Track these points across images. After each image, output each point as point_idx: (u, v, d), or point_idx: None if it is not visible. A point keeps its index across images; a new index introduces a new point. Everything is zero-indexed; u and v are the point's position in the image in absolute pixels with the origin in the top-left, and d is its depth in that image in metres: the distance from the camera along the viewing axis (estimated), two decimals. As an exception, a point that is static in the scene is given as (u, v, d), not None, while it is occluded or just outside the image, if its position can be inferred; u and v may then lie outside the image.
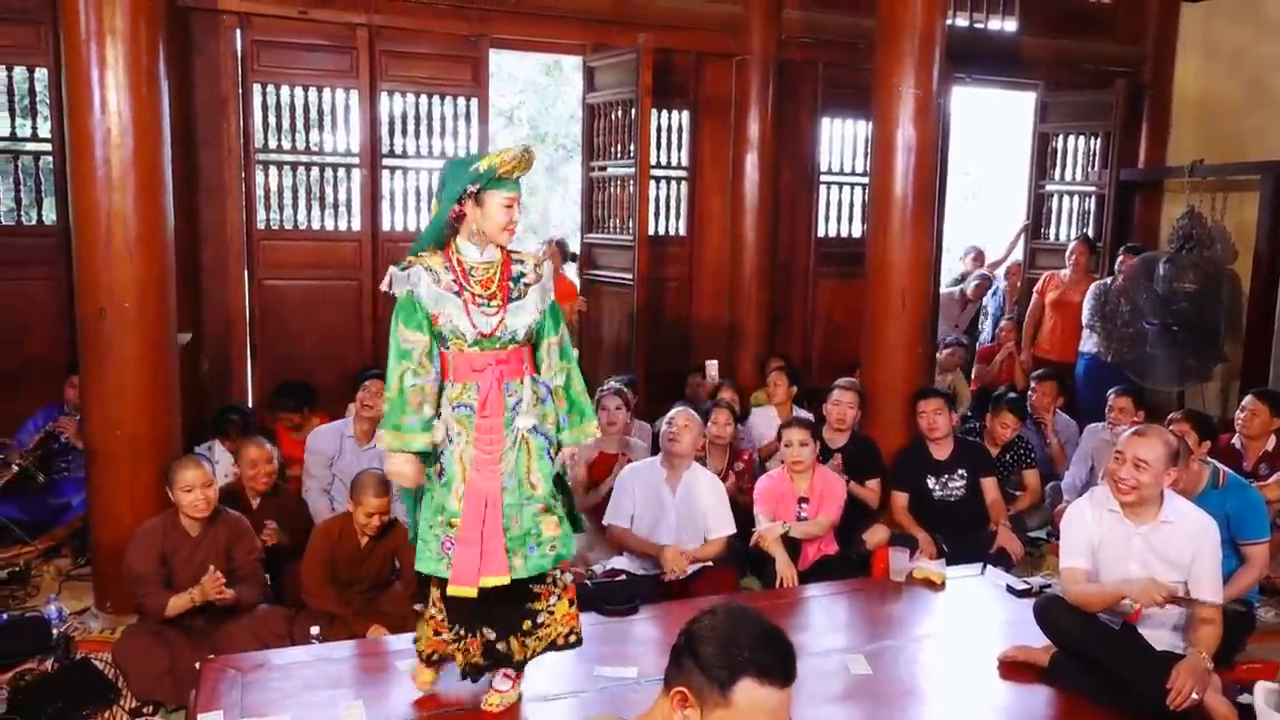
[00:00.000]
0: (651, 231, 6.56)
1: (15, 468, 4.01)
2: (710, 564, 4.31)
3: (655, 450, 4.89)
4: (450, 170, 2.80)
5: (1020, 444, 5.42)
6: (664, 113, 6.74)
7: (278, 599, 4.05)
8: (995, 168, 14.72)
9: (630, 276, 6.32)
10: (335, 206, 6.08)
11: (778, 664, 1.64)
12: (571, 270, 7.36)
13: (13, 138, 5.46)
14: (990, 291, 8.70)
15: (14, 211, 5.50)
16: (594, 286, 6.91)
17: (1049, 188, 7.90)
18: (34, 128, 5.45)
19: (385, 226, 6.14)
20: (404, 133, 6.13)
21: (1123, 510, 3.21)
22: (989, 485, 4.93)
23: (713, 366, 6.49)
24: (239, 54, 5.70)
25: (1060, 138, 7.83)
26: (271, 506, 4.31)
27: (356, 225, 6.10)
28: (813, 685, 3.26)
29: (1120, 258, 6.90)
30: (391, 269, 2.77)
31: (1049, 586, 4.06)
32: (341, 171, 6.06)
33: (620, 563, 4.32)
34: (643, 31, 6.08)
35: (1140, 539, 3.19)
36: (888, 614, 3.91)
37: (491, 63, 6.33)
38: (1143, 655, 3.11)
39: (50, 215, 5.51)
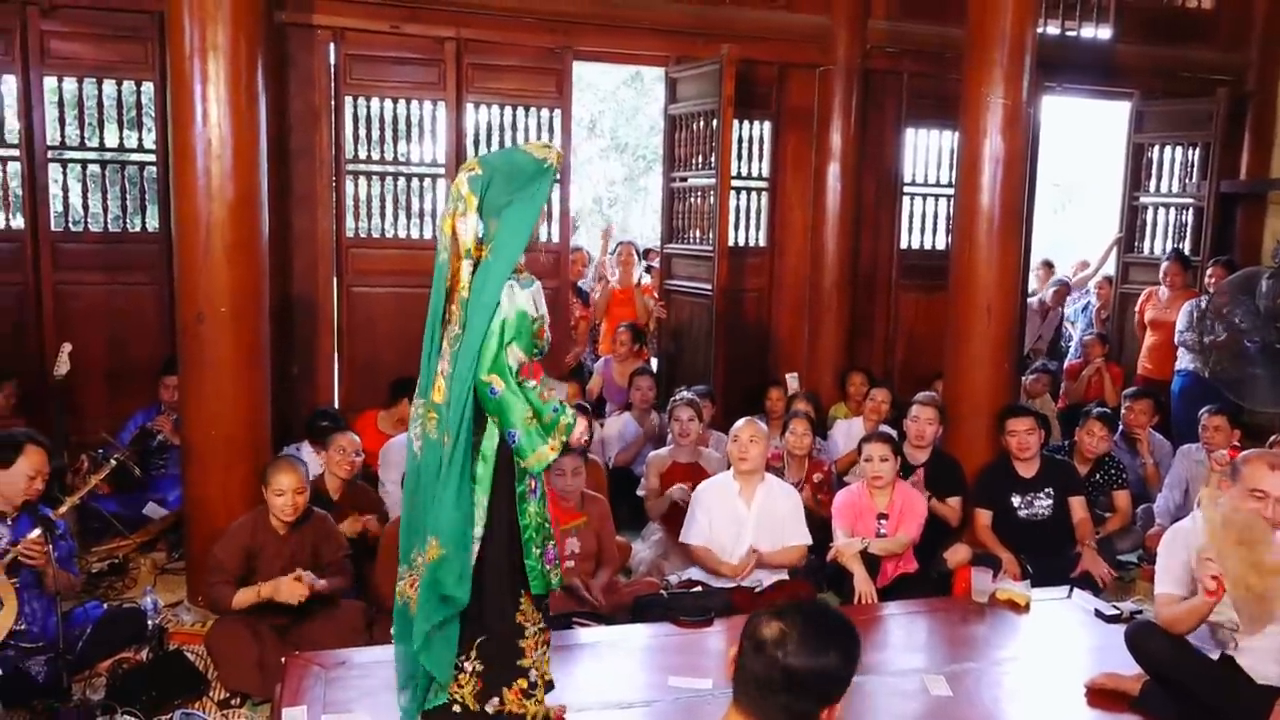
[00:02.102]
0: (731, 242, 6.56)
1: (114, 462, 4.17)
2: (786, 577, 4.27)
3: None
4: (527, 169, 2.66)
5: (1111, 463, 5.24)
6: (746, 123, 6.73)
7: (358, 598, 4.14)
8: (1087, 178, 14.33)
9: (710, 287, 6.32)
10: (421, 216, 6.22)
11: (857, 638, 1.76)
12: (641, 272, 7.43)
13: (120, 149, 5.71)
14: (1080, 307, 8.48)
15: (120, 219, 5.76)
16: (673, 296, 6.92)
17: (1143, 200, 7.65)
18: (140, 139, 5.70)
19: (469, 236, 6.23)
20: (489, 143, 6.24)
21: (1229, 537, 3.08)
22: (1076, 505, 4.78)
23: (793, 379, 6.44)
24: (332, 67, 5.88)
25: (1156, 148, 7.58)
26: (350, 498, 4.42)
27: (441, 234, 6.21)
28: (891, 705, 3.21)
29: (1210, 271, 6.65)
30: (525, 290, 2.60)
31: (1140, 612, 3.93)
32: (428, 181, 6.20)
33: (695, 573, 4.31)
34: (726, 43, 6.09)
35: (1244, 567, 3.05)
36: (969, 635, 3.82)
37: (574, 73, 6.41)
38: (1242, 687, 2.98)
39: (153, 223, 5.76)
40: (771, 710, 1.65)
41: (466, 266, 2.59)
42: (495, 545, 2.66)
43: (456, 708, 2.71)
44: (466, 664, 2.71)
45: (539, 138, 6.31)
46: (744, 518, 4.30)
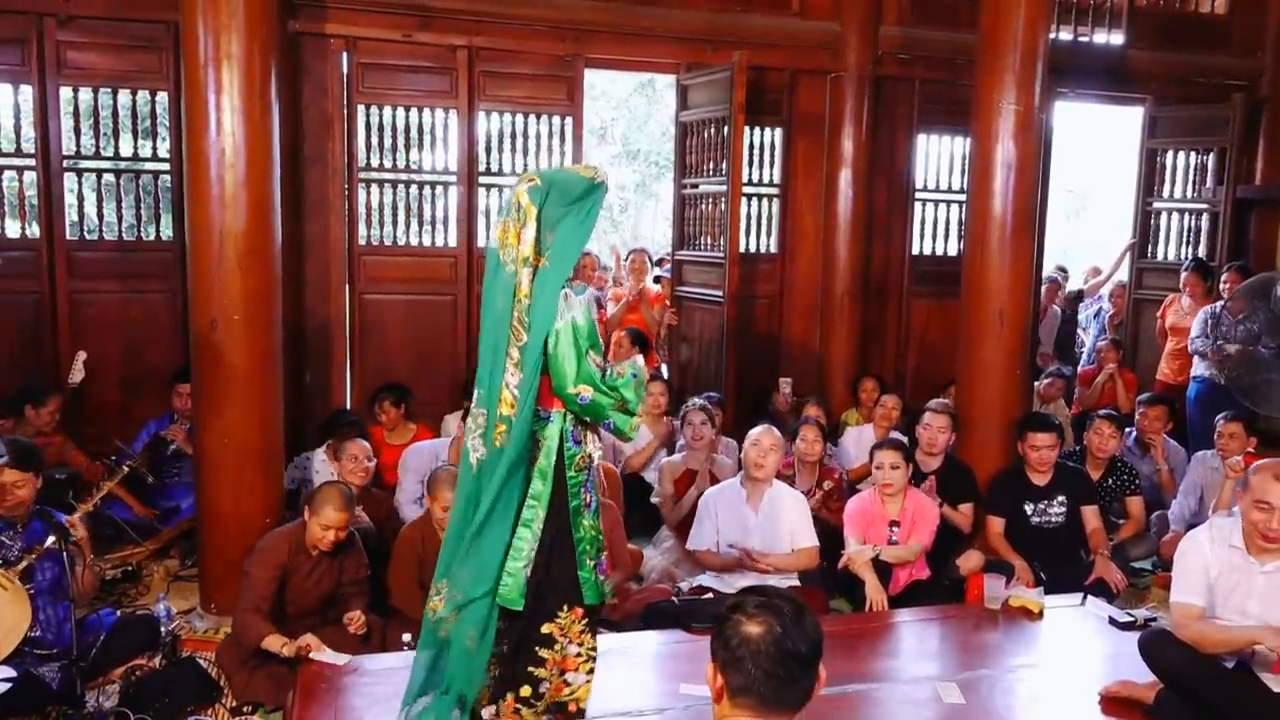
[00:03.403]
0: (743, 249, 6.56)
1: (126, 469, 4.19)
2: (797, 582, 4.26)
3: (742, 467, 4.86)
4: (580, 185, 2.69)
5: (1124, 469, 5.22)
6: (757, 130, 6.73)
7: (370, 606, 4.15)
8: (1099, 184, 14.28)
9: (721, 294, 6.31)
10: (432, 223, 6.24)
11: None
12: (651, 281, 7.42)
13: (135, 158, 5.75)
14: (1093, 313, 8.45)
15: (134, 228, 5.79)
16: (684, 303, 6.92)
17: (1157, 205, 7.61)
18: (154, 148, 5.73)
19: (480, 243, 6.27)
20: (500, 151, 6.26)
21: (1248, 547, 3.07)
22: (1090, 514, 4.75)
23: (786, 384, 6.43)
24: (345, 76, 5.91)
25: (1170, 153, 7.54)
26: (364, 505, 4.43)
27: (453, 242, 6.25)
28: (904, 713, 3.20)
29: (1225, 277, 6.61)
30: (582, 297, 2.69)
31: (1155, 620, 3.90)
32: (439, 189, 6.23)
33: (707, 580, 4.31)
34: (737, 49, 6.10)
35: (1265, 578, 3.05)
36: (982, 642, 3.80)
37: (585, 81, 6.42)
38: (1259, 697, 2.96)
39: (167, 231, 5.79)
40: (794, 698, 1.69)
41: (526, 274, 2.62)
42: (547, 558, 2.70)
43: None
44: (490, 667, 2.74)
45: (550, 145, 6.33)
46: (751, 524, 4.29)
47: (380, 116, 6.03)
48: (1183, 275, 6.73)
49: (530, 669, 2.72)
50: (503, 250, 2.65)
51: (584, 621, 2.77)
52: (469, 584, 2.66)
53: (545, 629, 2.72)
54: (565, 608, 2.73)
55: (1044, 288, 7.86)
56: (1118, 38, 7.27)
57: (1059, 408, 6.68)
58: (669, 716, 3.10)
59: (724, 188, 6.24)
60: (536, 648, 2.71)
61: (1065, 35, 7.04)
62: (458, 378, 6.08)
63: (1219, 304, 6.30)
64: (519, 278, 2.62)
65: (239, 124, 4.10)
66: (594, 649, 2.82)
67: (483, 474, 2.67)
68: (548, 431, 2.69)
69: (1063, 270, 8.78)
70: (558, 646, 2.74)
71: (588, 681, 2.83)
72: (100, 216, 5.81)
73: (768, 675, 1.66)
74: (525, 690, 2.72)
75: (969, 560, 4.49)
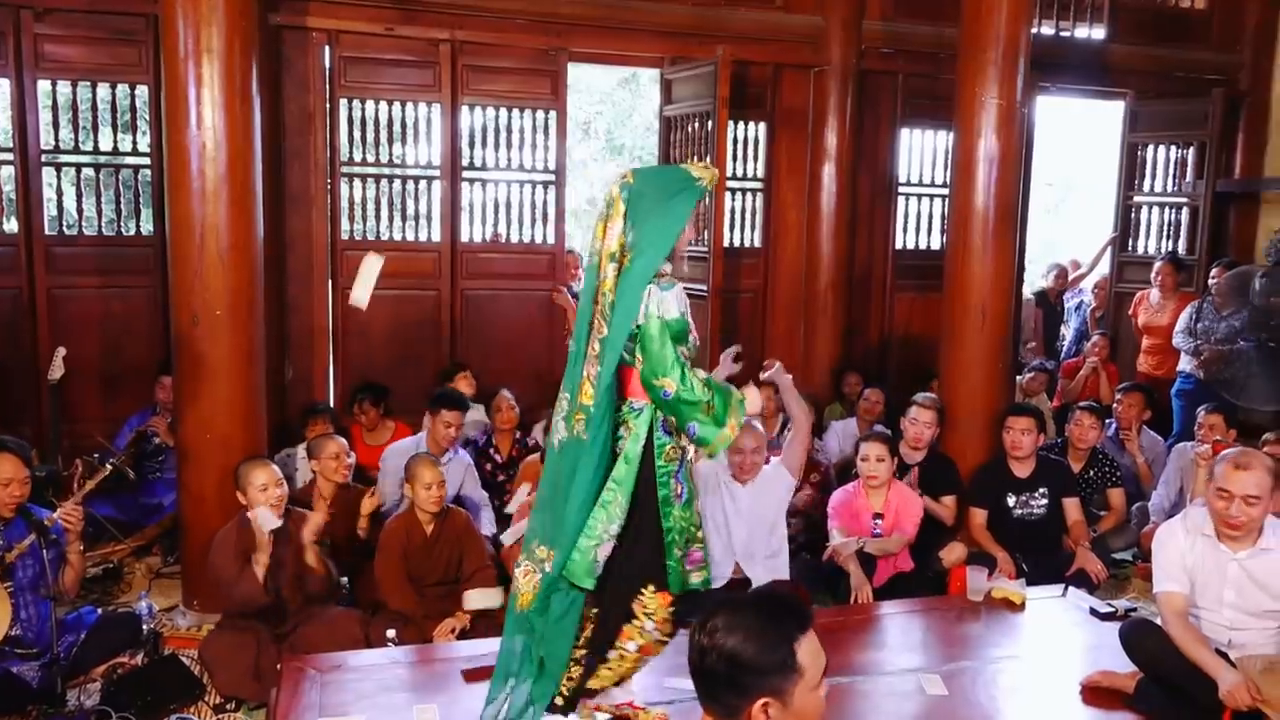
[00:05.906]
0: (727, 243, 6.57)
1: (109, 467, 4.16)
2: (785, 577, 4.27)
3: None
4: (676, 183, 2.67)
5: (1105, 461, 5.25)
6: (741, 124, 6.73)
7: (353, 603, 4.14)
8: (1081, 178, 14.34)
9: (705, 288, 6.31)
10: (416, 218, 6.21)
11: (800, 609, 1.69)
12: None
13: (114, 152, 5.70)
14: (1074, 306, 8.48)
15: (114, 223, 5.74)
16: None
17: (1138, 199, 7.66)
18: (134, 142, 5.69)
19: (464, 238, 6.26)
20: (483, 145, 6.25)
21: (1219, 536, 3.10)
22: (1071, 506, 4.78)
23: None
24: (327, 70, 5.87)
25: (1150, 148, 7.59)
26: (344, 502, 4.38)
27: (436, 236, 6.22)
28: (887, 705, 3.22)
29: (1214, 273, 6.66)
30: (665, 293, 2.64)
31: (1135, 610, 3.94)
32: (422, 184, 6.20)
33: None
34: (721, 44, 6.09)
35: (1237, 565, 3.09)
36: (965, 634, 3.82)
37: (569, 75, 6.40)
38: (1236, 685, 2.98)
39: (148, 226, 5.74)
40: (713, 701, 1.68)
41: (611, 270, 2.63)
42: (632, 545, 2.70)
43: (559, 700, 2.75)
44: (576, 651, 2.76)
45: (533, 139, 6.32)
46: (730, 511, 4.25)
47: (363, 110, 6.00)
48: (1157, 265, 6.78)
49: (616, 641, 2.78)
50: (593, 244, 2.69)
51: (669, 609, 2.78)
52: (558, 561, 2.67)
53: (631, 606, 2.76)
54: (651, 588, 2.73)
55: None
56: (1099, 32, 7.31)
57: (1041, 401, 6.72)
58: (654, 710, 3.10)
59: (708, 182, 6.23)
60: (622, 624, 2.76)
61: (1047, 30, 7.06)
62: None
63: (1203, 300, 6.35)
64: (604, 273, 2.63)
65: (220, 118, 4.07)
66: (670, 636, 2.82)
67: (564, 458, 2.70)
68: (638, 420, 2.68)
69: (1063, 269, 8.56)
70: (636, 623, 2.76)
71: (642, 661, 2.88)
72: (80, 211, 5.77)
73: (693, 668, 1.69)
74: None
75: (952, 552, 4.51)
